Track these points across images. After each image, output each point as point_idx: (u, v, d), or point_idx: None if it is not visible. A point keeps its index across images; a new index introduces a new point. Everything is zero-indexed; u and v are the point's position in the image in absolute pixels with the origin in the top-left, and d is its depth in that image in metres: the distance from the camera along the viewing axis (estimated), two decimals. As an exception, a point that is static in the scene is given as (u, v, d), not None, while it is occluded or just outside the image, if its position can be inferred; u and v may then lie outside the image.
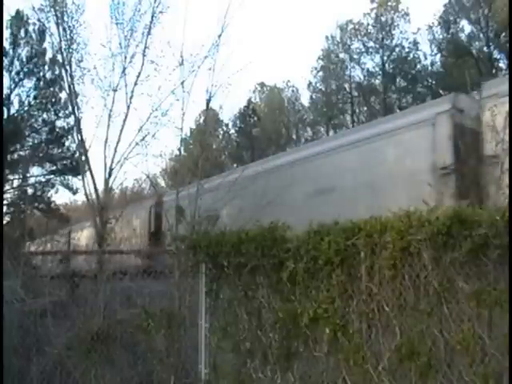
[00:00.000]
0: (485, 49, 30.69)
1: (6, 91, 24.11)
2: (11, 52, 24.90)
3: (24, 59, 25.40)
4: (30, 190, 26.46)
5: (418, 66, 34.64)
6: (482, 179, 6.95)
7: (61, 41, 10.25)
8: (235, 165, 35.00)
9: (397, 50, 34.96)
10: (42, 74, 25.46)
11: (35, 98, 25.68)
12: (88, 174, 10.37)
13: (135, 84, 10.04)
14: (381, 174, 8.67)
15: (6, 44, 24.15)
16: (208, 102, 7.63)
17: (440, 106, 8.70)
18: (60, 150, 26.38)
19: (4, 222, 21.24)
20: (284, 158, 12.08)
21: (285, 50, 59.43)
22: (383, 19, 35.15)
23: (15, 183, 26.11)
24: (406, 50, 34.79)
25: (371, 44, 35.71)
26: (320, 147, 11.10)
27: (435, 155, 8.02)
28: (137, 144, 9.83)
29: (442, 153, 7.93)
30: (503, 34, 28.22)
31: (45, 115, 26.22)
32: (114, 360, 5.57)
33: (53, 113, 25.95)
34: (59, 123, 26.02)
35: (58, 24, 10.23)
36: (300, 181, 9.84)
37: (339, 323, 3.71)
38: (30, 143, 26.51)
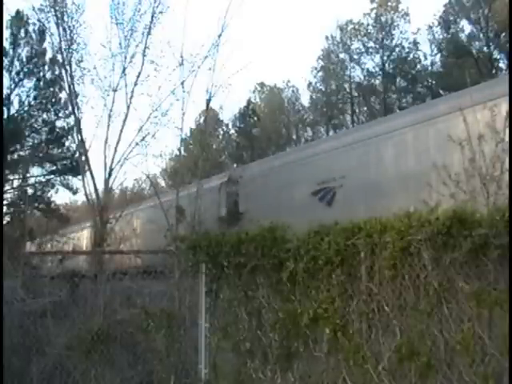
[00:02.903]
0: (485, 49, 30.63)
1: (5, 91, 24.09)
2: (11, 52, 24.86)
3: (24, 59, 25.36)
4: (30, 190, 26.42)
5: (418, 66, 34.57)
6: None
7: (61, 41, 10.27)
8: (235, 165, 34.97)
9: (397, 50, 34.87)
10: (42, 74, 25.41)
11: (35, 98, 25.63)
12: (88, 174, 10.39)
13: (135, 84, 10.07)
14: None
15: (6, 44, 24.12)
16: (208, 102, 7.65)
17: (223, 178, 13.73)
18: (60, 150, 26.33)
19: (4, 222, 21.25)
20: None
21: (285, 50, 59.40)
22: (383, 19, 35.08)
23: (15, 183, 26.10)
24: (406, 50, 34.71)
25: (371, 44, 35.63)
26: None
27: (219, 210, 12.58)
28: (137, 144, 9.86)
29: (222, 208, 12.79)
30: (503, 34, 28.19)
31: (45, 115, 26.17)
32: (114, 360, 5.56)
33: (53, 113, 25.91)
34: (59, 123, 25.99)
35: (57, 24, 10.26)
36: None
37: (339, 323, 3.71)
38: (30, 143, 26.46)
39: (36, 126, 26.38)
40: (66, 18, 10.24)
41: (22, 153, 26.13)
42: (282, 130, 41.94)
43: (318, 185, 10.66)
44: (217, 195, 12.89)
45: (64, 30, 10.22)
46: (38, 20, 11.63)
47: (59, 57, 10.90)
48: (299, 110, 41.89)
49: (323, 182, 10.53)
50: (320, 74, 37.85)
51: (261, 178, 12.40)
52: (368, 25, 35.67)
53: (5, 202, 23.41)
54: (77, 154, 16.45)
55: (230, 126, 41.81)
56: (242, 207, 12.69)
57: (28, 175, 26.79)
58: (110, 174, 9.85)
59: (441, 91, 29.48)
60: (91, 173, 10.28)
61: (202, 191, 11.98)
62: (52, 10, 10.29)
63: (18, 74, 25.29)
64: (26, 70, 25.38)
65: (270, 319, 4.27)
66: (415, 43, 34.40)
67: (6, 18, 19.90)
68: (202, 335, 4.89)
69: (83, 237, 17.59)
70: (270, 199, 11.72)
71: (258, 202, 11.83)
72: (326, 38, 36.91)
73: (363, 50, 35.82)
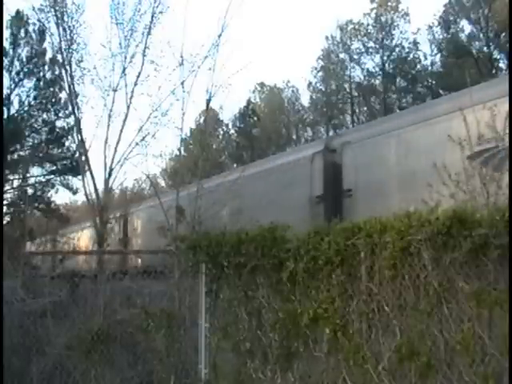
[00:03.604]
0: (485, 49, 30.68)
1: (5, 91, 24.13)
2: (11, 52, 24.90)
3: (24, 59, 25.40)
4: (30, 190, 26.46)
5: (418, 66, 34.62)
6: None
7: (61, 41, 10.28)
8: (235, 165, 34.98)
9: (397, 50, 34.92)
10: (42, 74, 25.46)
11: (35, 98, 25.67)
12: (88, 173, 10.40)
13: (135, 84, 10.08)
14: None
15: (6, 44, 24.17)
16: (208, 102, 7.62)
17: (315, 147, 11.17)
18: (60, 150, 26.38)
19: (4, 222, 21.27)
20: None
21: (285, 50, 59.42)
22: (383, 19, 35.13)
23: (15, 183, 26.15)
24: (406, 50, 34.76)
25: (371, 44, 35.68)
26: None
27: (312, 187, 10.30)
28: (137, 144, 9.87)
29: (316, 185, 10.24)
30: (503, 34, 28.22)
31: (45, 115, 26.22)
32: (114, 360, 5.56)
33: (53, 113, 25.96)
34: (59, 123, 26.05)
35: (57, 24, 10.27)
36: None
37: (339, 323, 3.71)
38: (30, 143, 26.51)
39: (36, 125, 26.43)
40: (66, 18, 10.25)
41: (22, 153, 26.17)
42: (282, 130, 41.98)
43: (477, 145, 8.22)
44: (307, 169, 10.47)
45: (64, 30, 10.24)
46: (38, 20, 11.65)
47: (59, 57, 10.92)
48: (299, 109, 41.93)
49: (487, 141, 8.04)
50: (320, 73, 37.90)
51: (379, 143, 9.70)
52: (368, 25, 35.73)
53: (5, 202, 23.44)
54: (77, 154, 16.46)
55: (230, 126, 41.89)
56: (347, 183, 9.94)
57: (28, 175, 26.84)
58: (110, 174, 9.86)
59: (441, 91, 29.48)
60: (91, 173, 10.29)
61: (281, 167, 10.75)
62: (52, 9, 10.30)
63: (18, 74, 25.33)
64: (26, 70, 25.42)
65: (270, 319, 4.27)
66: (415, 43, 34.46)
67: (6, 17, 19.92)
68: (202, 335, 4.89)
69: (83, 237, 17.60)
70: (395, 169, 9.12)
71: (374, 175, 9.35)
72: (326, 38, 37.02)
73: (363, 49, 35.87)
